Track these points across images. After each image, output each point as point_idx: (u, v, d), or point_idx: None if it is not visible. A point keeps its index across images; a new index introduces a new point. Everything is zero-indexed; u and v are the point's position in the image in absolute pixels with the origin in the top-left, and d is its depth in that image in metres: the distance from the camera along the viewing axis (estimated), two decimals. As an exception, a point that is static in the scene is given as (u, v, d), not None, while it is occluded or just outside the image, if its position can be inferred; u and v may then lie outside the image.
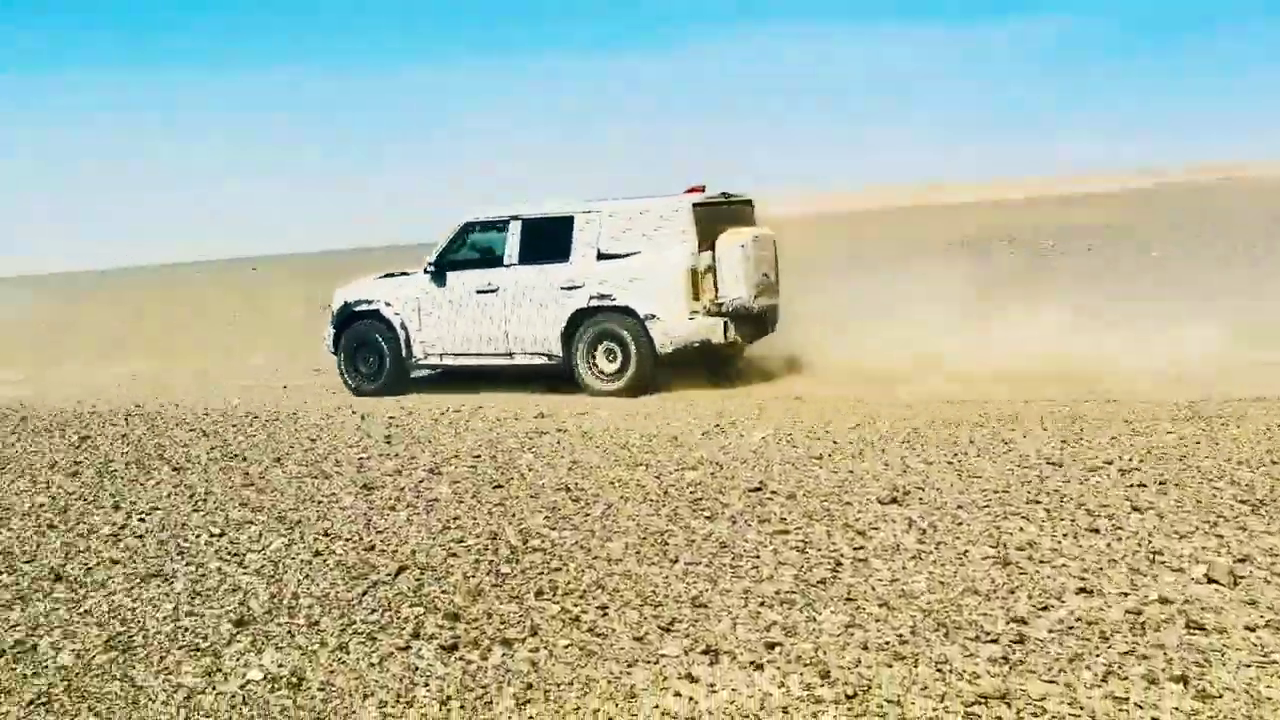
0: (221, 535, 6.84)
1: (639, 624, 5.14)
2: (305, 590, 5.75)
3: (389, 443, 9.73)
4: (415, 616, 5.30)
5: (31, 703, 4.56)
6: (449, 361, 13.77)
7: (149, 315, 29.83)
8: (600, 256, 12.74)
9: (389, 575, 5.91)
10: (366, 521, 7.03)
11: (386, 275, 14.35)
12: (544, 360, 13.08)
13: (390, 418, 11.14)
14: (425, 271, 13.69)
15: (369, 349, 13.91)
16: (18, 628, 5.41)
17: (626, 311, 12.57)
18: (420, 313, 13.64)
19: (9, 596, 5.89)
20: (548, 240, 13.01)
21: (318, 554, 6.37)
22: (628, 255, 12.64)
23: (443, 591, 5.64)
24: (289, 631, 5.20)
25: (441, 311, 13.53)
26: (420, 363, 13.94)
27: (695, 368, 12.81)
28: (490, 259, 13.47)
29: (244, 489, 8.12)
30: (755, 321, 13.03)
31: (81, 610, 5.61)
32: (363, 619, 5.31)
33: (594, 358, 12.74)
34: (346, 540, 6.62)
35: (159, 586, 5.91)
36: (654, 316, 12.44)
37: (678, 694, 4.37)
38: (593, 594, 5.57)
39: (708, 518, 6.77)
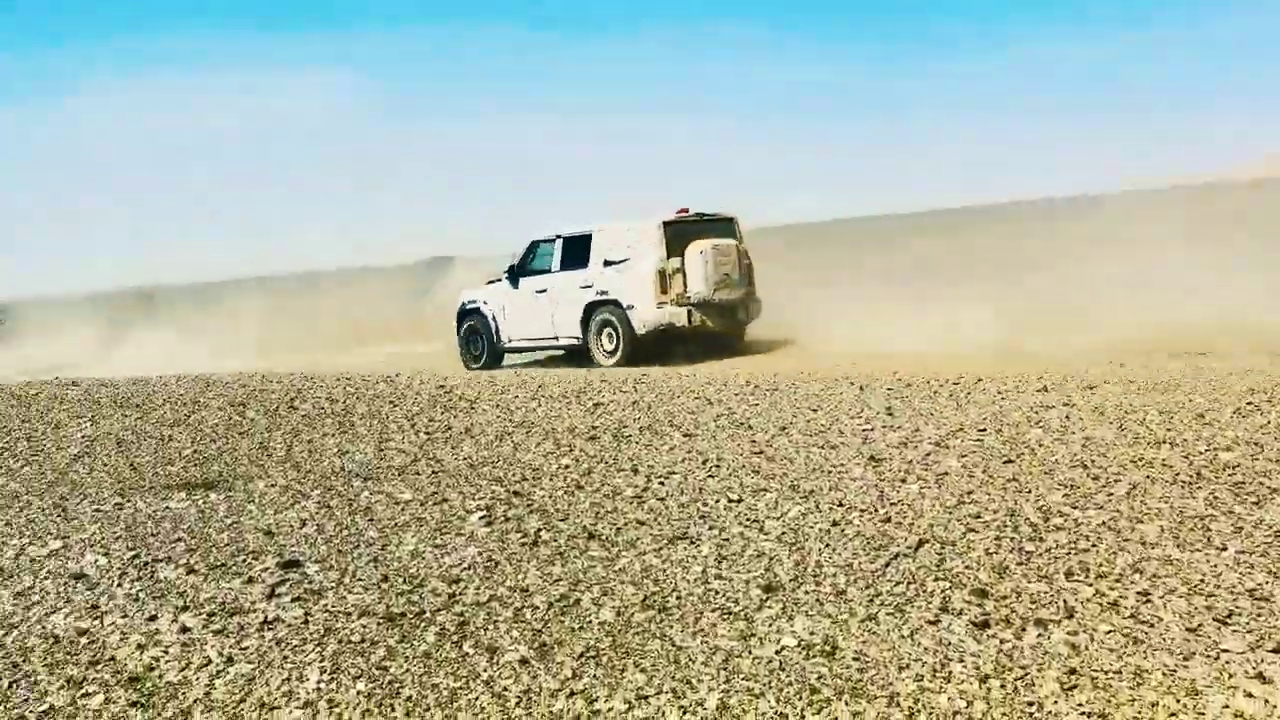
0: (739, 501, 7.01)
1: (1189, 614, 4.77)
2: (828, 559, 5.76)
3: (890, 414, 9.65)
4: (941, 591, 5.19)
5: (581, 655, 4.83)
6: (522, 345, 18.41)
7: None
8: (606, 264, 16.97)
9: (909, 548, 5.83)
10: (879, 493, 6.98)
11: (490, 281, 18.94)
12: (575, 342, 17.44)
13: (889, 390, 11.07)
14: (506, 277, 18.38)
15: (476, 336, 18.85)
16: (560, 583, 5.75)
17: (617, 304, 16.75)
18: (504, 309, 18.36)
19: (549, 552, 6.29)
20: (577, 252, 17.35)
21: (835, 524, 6.38)
22: (621, 262, 16.77)
23: (966, 567, 5.49)
24: (817, 599, 5.23)
25: (516, 308, 18.16)
26: (507, 347, 18.58)
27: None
28: (545, 268, 17.88)
29: (753, 456, 8.30)
30: (723, 310, 16.79)
31: (616, 568, 5.89)
32: (888, 590, 5.26)
33: (601, 339, 16.97)
34: (862, 511, 6.59)
35: (686, 549, 6.12)
36: (633, 307, 16.57)
37: (1249, 695, 4.01)
38: (1130, 578, 5.24)
39: (1255, 503, 6.21)
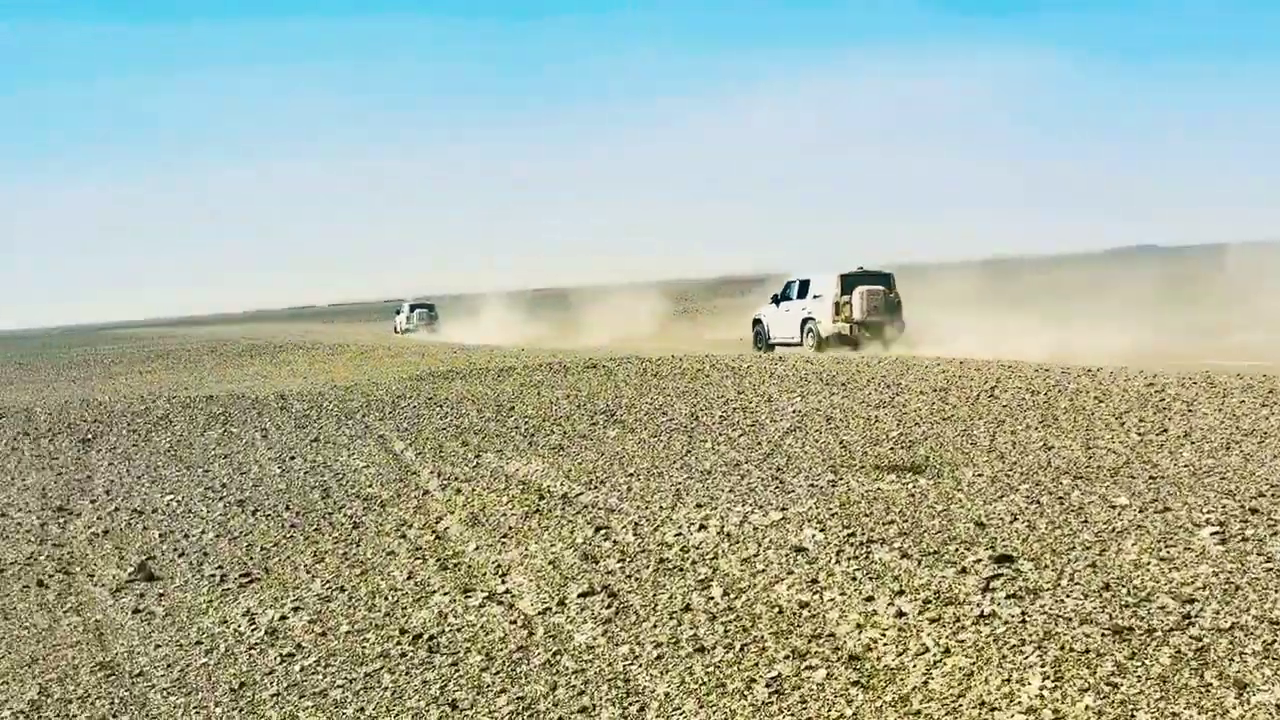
0: None
1: None
2: None
3: None
4: None
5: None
6: (779, 342, 27.98)
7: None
8: (814, 297, 27.12)
9: None
10: None
11: (769, 303, 29.04)
12: (799, 341, 27.07)
13: None
14: (772, 302, 28.85)
15: (759, 335, 29.18)
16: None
17: (814, 320, 26.80)
18: (772, 321, 28.68)
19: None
20: (804, 289, 27.63)
21: None
22: (819, 296, 26.92)
23: None
24: None
25: (776, 320, 28.46)
26: (771, 343, 28.28)
27: None
28: (791, 297, 28.06)
29: None
30: (872, 328, 26.13)
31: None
32: None
33: (806, 339, 26.90)
34: None
35: None
36: (820, 322, 26.62)
37: None
38: None
39: None
